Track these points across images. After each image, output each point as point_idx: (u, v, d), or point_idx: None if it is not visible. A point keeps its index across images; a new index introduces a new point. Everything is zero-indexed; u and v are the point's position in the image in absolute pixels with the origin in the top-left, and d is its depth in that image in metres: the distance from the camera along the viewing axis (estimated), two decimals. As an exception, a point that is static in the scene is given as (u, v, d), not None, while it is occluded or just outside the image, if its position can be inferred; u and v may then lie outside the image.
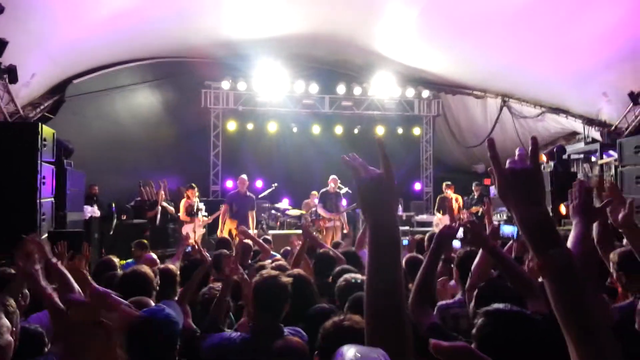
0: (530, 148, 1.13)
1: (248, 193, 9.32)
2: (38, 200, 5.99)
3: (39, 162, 6.04)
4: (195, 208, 9.51)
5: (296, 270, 2.85)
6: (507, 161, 1.12)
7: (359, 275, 2.77)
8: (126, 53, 10.51)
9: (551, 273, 1.01)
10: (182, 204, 9.50)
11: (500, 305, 1.59)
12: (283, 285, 2.38)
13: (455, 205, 9.76)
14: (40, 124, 6.35)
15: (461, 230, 2.25)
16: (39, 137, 6.06)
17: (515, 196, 1.08)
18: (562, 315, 0.98)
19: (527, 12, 7.93)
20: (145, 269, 2.80)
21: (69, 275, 2.40)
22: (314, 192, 10.87)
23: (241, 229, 4.82)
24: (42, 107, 8.99)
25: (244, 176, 9.47)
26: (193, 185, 9.71)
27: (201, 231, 9.63)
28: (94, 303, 1.80)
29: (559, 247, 1.03)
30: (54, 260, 2.49)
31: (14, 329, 1.77)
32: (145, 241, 7.45)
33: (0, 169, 5.82)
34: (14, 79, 7.41)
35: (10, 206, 5.77)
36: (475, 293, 2.16)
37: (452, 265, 3.08)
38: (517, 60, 9.65)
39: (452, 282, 3.48)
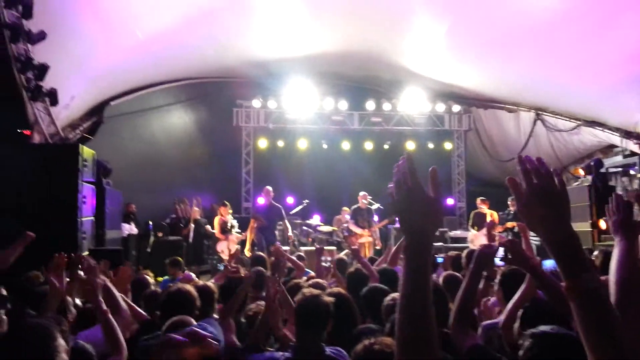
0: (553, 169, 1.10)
1: (274, 203, 9.31)
2: (79, 219, 6.19)
3: (79, 182, 6.25)
4: (229, 225, 9.62)
5: (336, 289, 2.83)
6: (533, 177, 1.10)
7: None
8: (161, 75, 10.82)
9: (578, 298, 0.99)
10: (216, 221, 9.63)
11: (547, 328, 1.56)
12: (325, 304, 2.37)
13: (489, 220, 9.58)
14: (80, 145, 6.59)
15: (501, 249, 2.21)
16: (80, 157, 6.28)
17: (540, 215, 1.05)
18: (588, 342, 0.97)
19: (560, 24, 7.81)
20: (189, 287, 2.85)
21: (117, 294, 2.46)
22: (345, 208, 10.87)
23: (275, 248, 4.81)
24: (81, 128, 9.30)
25: (269, 187, 9.47)
26: (226, 202, 9.85)
27: (235, 247, 9.72)
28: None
29: (588, 271, 1.01)
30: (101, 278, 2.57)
31: (67, 347, 1.82)
32: (180, 258, 7.58)
33: (42, 189, 6.02)
34: (54, 101, 7.68)
35: (51, 225, 5.94)
36: (520, 313, 2.11)
37: (493, 283, 3.01)
38: (550, 73, 9.49)
39: (492, 299, 3.41)
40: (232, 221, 9.85)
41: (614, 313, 0.99)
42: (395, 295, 2.70)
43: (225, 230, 9.52)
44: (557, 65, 9.07)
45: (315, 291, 2.48)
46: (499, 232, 8.73)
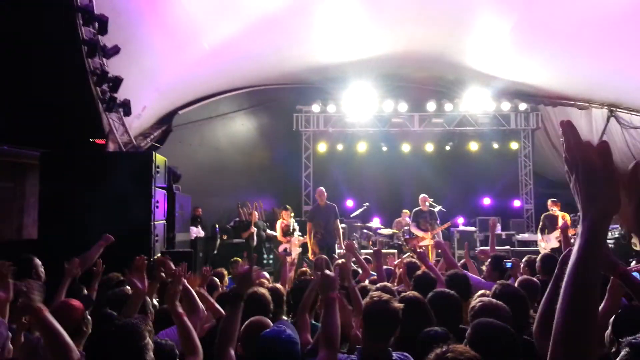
0: None
1: (328, 203, 9.18)
2: (152, 223, 6.48)
3: (153, 187, 6.55)
4: (291, 228, 9.75)
5: (411, 293, 2.80)
6: None
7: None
8: (225, 83, 11.19)
9: None
10: (278, 224, 9.78)
11: None
12: (395, 310, 2.34)
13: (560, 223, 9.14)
14: (154, 152, 6.91)
15: None
16: (153, 164, 6.58)
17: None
18: None
19: (632, 14, 7.36)
20: (263, 290, 2.93)
21: (194, 294, 2.57)
22: (406, 211, 10.73)
23: (348, 243, 4.76)
24: (152, 136, 9.77)
25: (321, 188, 9.33)
26: (287, 206, 9.97)
27: (297, 250, 9.84)
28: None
29: None
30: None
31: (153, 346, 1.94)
32: (240, 260, 7.78)
33: (117, 194, 6.34)
34: (128, 112, 8.12)
35: (127, 229, 6.24)
36: (612, 320, 2.01)
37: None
38: (624, 67, 8.96)
39: None
40: (294, 224, 9.97)
41: None
42: (483, 296, 2.62)
43: (287, 233, 9.66)
44: (630, 59, 8.55)
45: (385, 296, 2.45)
46: (572, 235, 8.31)
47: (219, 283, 5.21)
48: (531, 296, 3.10)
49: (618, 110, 10.70)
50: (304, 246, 10.24)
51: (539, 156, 13.73)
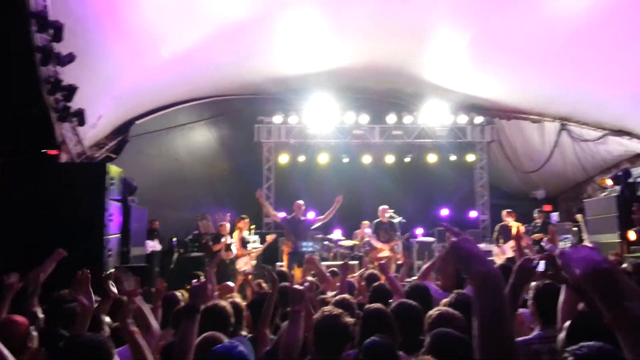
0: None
1: (303, 218, 9.15)
2: (105, 237, 6.26)
3: (106, 200, 6.34)
4: (245, 240, 9.61)
5: (374, 305, 2.78)
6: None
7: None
8: (185, 93, 11.01)
9: (625, 326, 0.98)
10: (236, 236, 9.52)
11: (590, 345, 1.50)
12: (345, 325, 2.32)
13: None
14: (107, 164, 6.70)
15: (542, 263, 2.15)
16: (107, 176, 6.39)
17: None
18: None
19: (585, 33, 7.73)
20: (225, 303, 2.85)
21: (148, 312, 2.47)
22: (365, 222, 10.78)
23: (309, 258, 4.75)
24: (106, 147, 9.49)
25: (300, 201, 9.26)
26: (244, 216, 9.79)
27: (252, 263, 9.64)
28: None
29: (630, 299, 1.00)
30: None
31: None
32: (201, 273, 7.59)
33: (69, 207, 6.12)
34: (82, 121, 7.83)
35: (78, 243, 6.01)
36: (566, 329, 2.05)
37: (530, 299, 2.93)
38: (575, 83, 9.37)
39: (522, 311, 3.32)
40: (247, 237, 9.81)
41: None
42: (444, 309, 2.64)
43: (244, 245, 9.49)
44: (582, 75, 8.96)
45: (337, 310, 2.43)
46: (526, 245, 8.56)
47: (180, 297, 5.04)
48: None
49: (569, 123, 11.15)
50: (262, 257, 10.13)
51: (494, 168, 14.14)
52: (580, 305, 2.31)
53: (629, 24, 7.26)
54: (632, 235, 8.09)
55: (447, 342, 2.16)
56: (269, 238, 9.89)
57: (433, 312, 2.61)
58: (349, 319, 2.38)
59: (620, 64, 8.16)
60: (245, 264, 9.14)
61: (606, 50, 7.93)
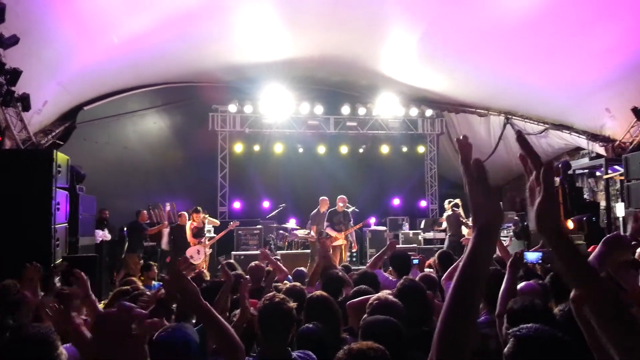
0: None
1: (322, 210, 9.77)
2: (52, 226, 6.08)
3: (53, 188, 6.14)
4: (205, 230, 9.59)
5: (318, 292, 2.87)
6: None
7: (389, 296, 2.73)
8: (136, 79, 10.72)
9: (597, 302, 1.00)
10: (188, 226, 9.50)
11: (531, 327, 1.62)
12: (287, 310, 2.37)
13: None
14: (54, 150, 6.48)
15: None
16: (54, 163, 6.18)
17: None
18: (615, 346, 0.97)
19: (529, 31, 8.07)
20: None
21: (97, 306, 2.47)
22: (323, 198, 10.59)
23: (262, 251, 4.84)
24: (53, 133, 9.16)
25: (325, 197, 9.93)
26: (198, 208, 9.72)
27: (207, 251, 9.63)
28: (122, 315, 1.82)
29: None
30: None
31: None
32: (153, 263, 7.54)
33: (15, 196, 5.90)
34: (27, 107, 7.55)
35: (25, 232, 5.84)
36: (507, 312, 2.18)
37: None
38: (519, 78, 9.79)
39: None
40: (207, 227, 9.79)
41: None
42: (383, 295, 2.75)
43: (197, 235, 9.44)
44: (526, 71, 9.35)
45: (279, 296, 2.47)
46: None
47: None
48: (431, 288, 3.36)
49: (514, 117, 11.66)
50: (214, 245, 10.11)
51: (443, 159, 14.60)
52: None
53: (570, 23, 7.65)
54: (570, 224, 8.59)
55: (375, 328, 2.27)
56: (231, 225, 10.01)
57: (372, 300, 2.70)
58: (292, 304, 2.43)
59: (561, 61, 8.59)
60: (196, 254, 9.07)
61: (548, 47, 8.33)
